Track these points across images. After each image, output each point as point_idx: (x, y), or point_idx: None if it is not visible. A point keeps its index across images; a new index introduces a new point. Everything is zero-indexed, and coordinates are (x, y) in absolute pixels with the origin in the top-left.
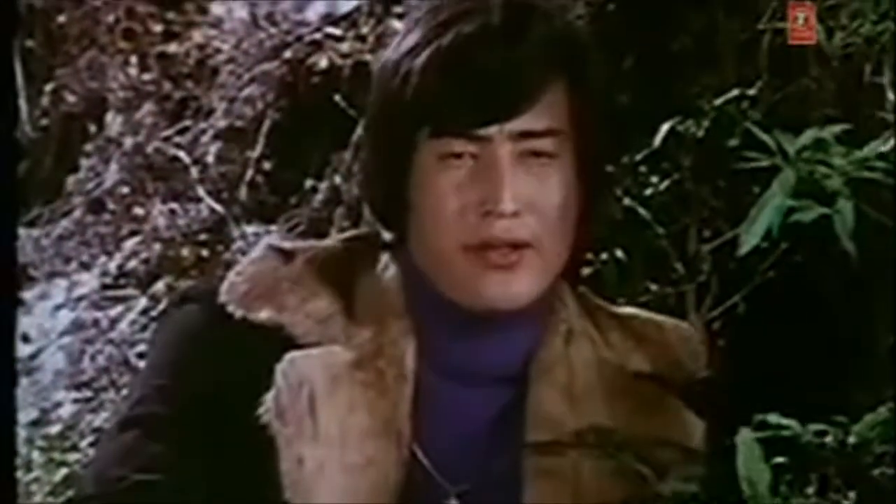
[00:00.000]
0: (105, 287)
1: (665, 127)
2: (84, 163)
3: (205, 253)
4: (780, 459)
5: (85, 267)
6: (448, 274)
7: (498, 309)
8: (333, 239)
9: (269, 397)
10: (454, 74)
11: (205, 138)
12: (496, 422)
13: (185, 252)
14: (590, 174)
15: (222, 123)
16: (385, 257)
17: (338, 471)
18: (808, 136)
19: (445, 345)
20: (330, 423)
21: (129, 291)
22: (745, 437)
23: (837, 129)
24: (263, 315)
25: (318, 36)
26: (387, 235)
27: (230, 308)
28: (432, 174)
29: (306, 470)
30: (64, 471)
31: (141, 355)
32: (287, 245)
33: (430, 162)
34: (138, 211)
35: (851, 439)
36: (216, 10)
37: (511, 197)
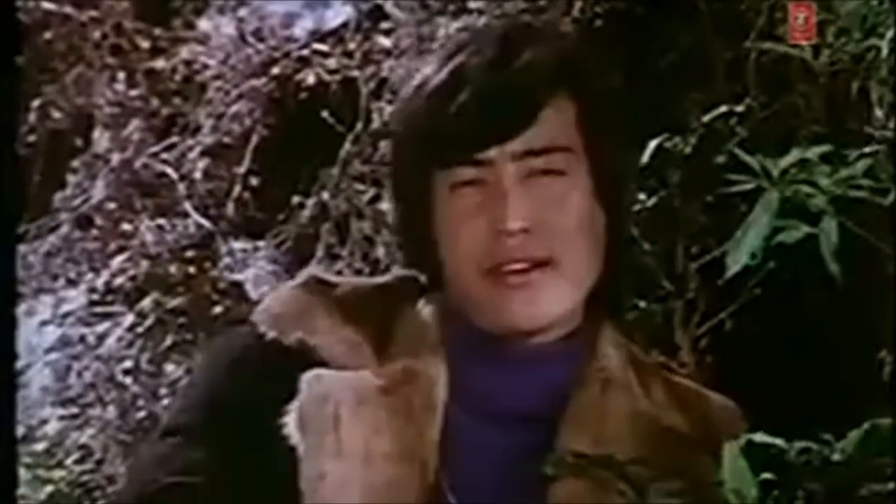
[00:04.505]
0: (92, 303)
1: (653, 143)
2: (71, 179)
3: (192, 269)
4: (767, 476)
5: (72, 283)
6: (473, 301)
7: (521, 329)
8: (376, 278)
9: (292, 407)
10: (451, 104)
11: (192, 154)
12: (523, 462)
13: (172, 269)
14: (605, 191)
15: (210, 140)
16: (423, 300)
17: (360, 490)
18: (793, 156)
19: (478, 382)
20: (354, 441)
21: (117, 308)
22: (729, 448)
23: (822, 149)
24: (295, 336)
25: (305, 52)
26: (423, 279)
27: (262, 328)
28: (447, 205)
29: (328, 485)
30: (49, 488)
31: (127, 371)
32: (329, 277)
33: (444, 194)
34: (126, 227)
35: (836, 456)
36: (203, 26)
37: (517, 215)
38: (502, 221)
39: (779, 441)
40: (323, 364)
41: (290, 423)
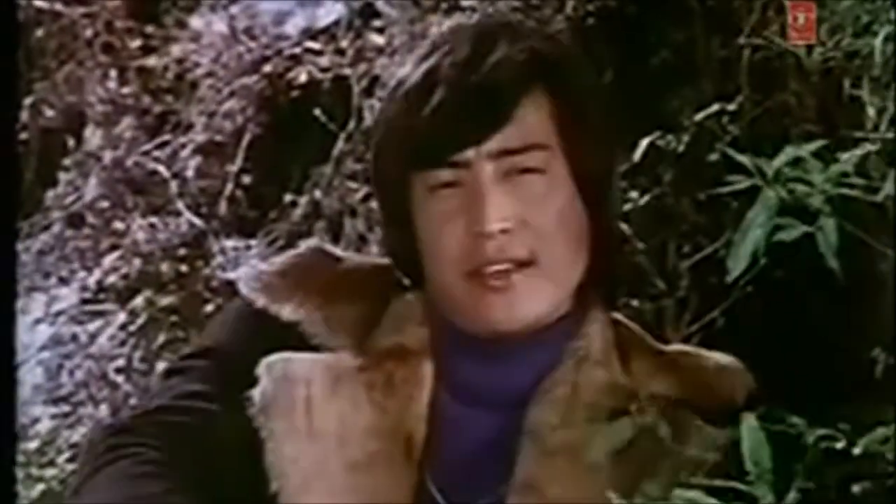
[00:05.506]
0: (84, 302)
1: (645, 142)
2: (63, 177)
3: (184, 268)
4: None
5: (64, 281)
6: (453, 302)
7: (501, 331)
8: (380, 259)
9: (254, 392)
10: (426, 106)
11: (184, 152)
12: (502, 447)
13: (164, 267)
14: (586, 187)
15: (202, 138)
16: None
17: (339, 469)
18: (787, 154)
19: (461, 373)
20: (328, 421)
21: (108, 306)
22: (749, 422)
23: (815, 145)
24: (287, 311)
25: (297, 50)
26: (406, 281)
27: (252, 296)
28: (426, 207)
29: (301, 469)
30: (41, 486)
31: (119, 370)
32: (335, 250)
33: (423, 196)
34: (118, 225)
35: (842, 445)
36: (195, 24)
37: (495, 217)
38: (481, 224)
39: (800, 421)
40: (303, 339)
41: (253, 408)
